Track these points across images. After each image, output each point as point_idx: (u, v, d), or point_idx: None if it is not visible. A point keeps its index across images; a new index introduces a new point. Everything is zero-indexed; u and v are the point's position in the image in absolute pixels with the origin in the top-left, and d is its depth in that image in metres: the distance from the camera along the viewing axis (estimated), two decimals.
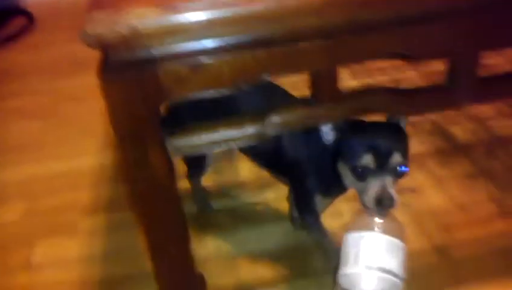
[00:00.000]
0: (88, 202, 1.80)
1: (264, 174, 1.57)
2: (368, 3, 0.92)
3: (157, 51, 0.87)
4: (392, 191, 1.07)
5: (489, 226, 1.58)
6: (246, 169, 1.86)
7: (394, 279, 1.05)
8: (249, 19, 0.89)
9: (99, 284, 1.49)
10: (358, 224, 1.11)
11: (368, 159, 1.08)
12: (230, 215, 1.70)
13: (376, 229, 1.07)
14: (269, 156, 1.38)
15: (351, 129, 1.15)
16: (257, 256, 1.53)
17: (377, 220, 1.08)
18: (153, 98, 0.94)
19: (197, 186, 1.68)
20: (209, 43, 0.90)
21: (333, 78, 1.08)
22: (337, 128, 1.17)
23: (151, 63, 0.88)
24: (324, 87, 1.09)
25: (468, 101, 1.17)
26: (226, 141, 1.11)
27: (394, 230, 1.08)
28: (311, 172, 1.30)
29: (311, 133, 1.20)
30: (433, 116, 2.02)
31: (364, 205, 1.11)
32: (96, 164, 1.97)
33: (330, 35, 0.94)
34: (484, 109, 2.05)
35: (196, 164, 1.55)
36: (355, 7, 0.92)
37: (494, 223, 1.59)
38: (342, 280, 1.09)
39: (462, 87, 1.12)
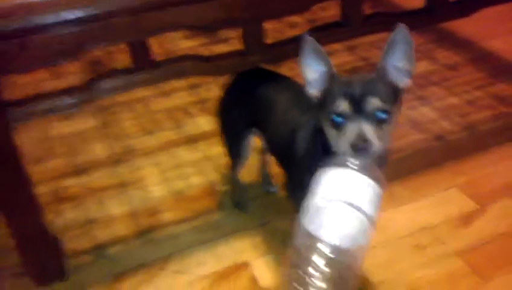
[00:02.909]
0: None
1: None
2: None
3: None
4: (370, 136, 0.98)
5: None
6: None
7: (361, 216, 0.94)
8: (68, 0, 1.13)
9: None
10: (332, 162, 1.01)
11: (343, 105, 1.00)
12: (83, 188, 1.88)
13: (350, 166, 0.98)
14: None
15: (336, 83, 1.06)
16: (110, 219, 1.72)
17: (353, 160, 0.98)
18: None
19: (236, 180, 1.68)
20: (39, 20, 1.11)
21: (145, 48, 1.36)
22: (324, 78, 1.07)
23: None
24: (140, 57, 1.36)
25: (259, 63, 1.49)
26: (59, 108, 1.34)
27: (371, 173, 0.98)
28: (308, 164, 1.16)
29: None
30: None
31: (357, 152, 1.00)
32: None
33: (135, 12, 1.20)
34: None
35: (237, 156, 1.53)
36: None
37: None
38: (304, 218, 0.97)
39: (253, 52, 1.44)
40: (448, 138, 1.98)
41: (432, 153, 1.92)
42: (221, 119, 1.54)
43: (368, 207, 0.95)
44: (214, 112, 1.59)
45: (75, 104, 1.35)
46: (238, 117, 1.46)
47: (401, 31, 1.01)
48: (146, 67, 1.37)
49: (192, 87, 2.44)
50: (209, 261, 1.52)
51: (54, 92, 1.35)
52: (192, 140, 2.08)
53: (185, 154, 2.00)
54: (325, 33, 1.51)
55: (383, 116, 1.00)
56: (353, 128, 0.99)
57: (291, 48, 1.48)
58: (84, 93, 1.35)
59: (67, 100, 1.34)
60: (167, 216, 1.71)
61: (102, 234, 1.66)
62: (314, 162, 1.09)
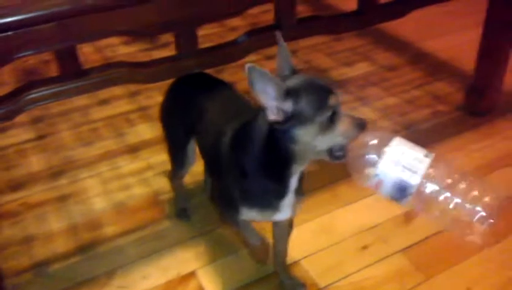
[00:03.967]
0: None
1: None
2: None
3: None
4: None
5: None
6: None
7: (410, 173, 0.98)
8: None
9: None
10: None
11: (334, 98, 0.99)
12: (20, 203, 1.79)
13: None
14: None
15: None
16: (50, 235, 1.65)
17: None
18: None
19: (179, 187, 1.65)
20: None
21: (74, 56, 1.30)
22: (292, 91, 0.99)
23: None
24: (67, 65, 1.31)
25: (192, 68, 1.45)
26: None
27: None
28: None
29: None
30: None
31: (337, 153, 1.02)
32: None
33: (63, 17, 1.14)
34: None
35: (179, 163, 1.49)
36: None
37: None
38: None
39: (187, 57, 1.41)
40: None
41: None
42: (162, 125, 1.51)
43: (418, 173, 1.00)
44: (156, 118, 1.55)
45: (5, 115, 1.28)
46: (178, 123, 1.43)
47: (250, 71, 0.93)
48: (77, 75, 1.32)
49: (133, 94, 2.38)
50: (154, 274, 1.48)
51: None
52: (133, 149, 2.02)
53: (126, 163, 1.95)
54: (260, 36, 1.50)
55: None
56: (346, 114, 1.01)
57: (227, 53, 1.48)
58: (13, 103, 1.27)
59: None
60: (109, 229, 1.65)
61: (42, 251, 1.59)
62: (238, 172, 1.09)
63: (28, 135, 2.15)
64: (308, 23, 1.59)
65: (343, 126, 1.00)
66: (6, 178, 1.92)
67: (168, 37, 2.58)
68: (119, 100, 2.35)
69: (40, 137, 2.14)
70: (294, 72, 1.06)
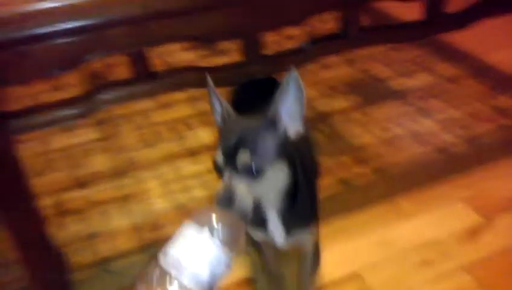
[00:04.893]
0: None
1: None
2: None
3: None
4: (240, 191, 0.93)
5: None
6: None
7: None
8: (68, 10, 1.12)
9: None
10: (198, 213, 0.94)
11: (219, 153, 0.97)
12: (85, 200, 1.86)
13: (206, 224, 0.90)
14: None
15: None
16: (113, 233, 1.71)
17: (213, 216, 0.91)
18: None
19: None
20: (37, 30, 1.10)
21: (144, 60, 1.35)
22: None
23: None
24: (140, 68, 1.36)
25: (259, 74, 1.48)
26: (59, 119, 1.33)
27: (227, 233, 0.91)
28: None
29: None
30: None
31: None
32: None
33: (135, 22, 1.18)
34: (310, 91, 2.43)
35: None
36: None
37: None
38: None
39: (252, 63, 1.44)
40: (450, 150, 1.98)
41: (434, 166, 1.91)
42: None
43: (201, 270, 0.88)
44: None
45: (76, 116, 1.33)
46: None
47: (293, 74, 0.96)
48: (146, 78, 1.36)
49: (193, 99, 2.43)
50: None
51: (55, 103, 1.34)
52: (193, 152, 2.07)
53: (187, 166, 1.99)
54: (324, 44, 1.51)
55: (257, 170, 0.95)
56: (224, 181, 0.95)
57: (291, 60, 1.48)
58: (85, 104, 1.33)
59: (68, 111, 1.33)
60: (171, 229, 1.65)
61: (105, 248, 1.65)
62: None
63: (93, 135, 2.24)
64: (372, 32, 1.59)
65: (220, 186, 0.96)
66: (73, 176, 2.00)
67: (226, 45, 2.66)
68: (179, 104, 2.41)
69: (104, 138, 2.22)
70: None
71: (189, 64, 2.68)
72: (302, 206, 1.11)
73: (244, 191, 0.94)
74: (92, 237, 1.70)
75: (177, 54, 2.87)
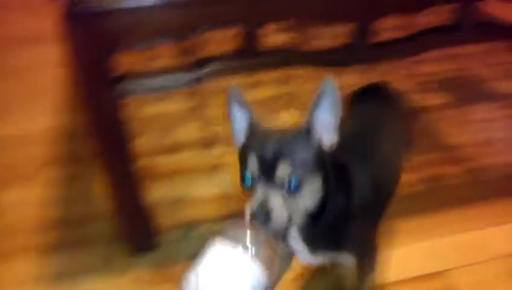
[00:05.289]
0: (45, 156, 1.97)
1: None
2: None
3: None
4: (276, 206, 0.89)
5: None
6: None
7: None
8: None
9: (60, 223, 1.68)
10: (230, 228, 0.91)
11: (253, 165, 0.92)
12: (174, 166, 1.92)
13: (240, 242, 0.86)
14: None
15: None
16: (200, 200, 1.75)
17: (248, 233, 0.87)
18: (105, 44, 1.17)
19: None
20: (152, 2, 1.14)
21: (255, 36, 1.36)
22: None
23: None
24: (251, 43, 1.37)
25: (367, 60, 1.46)
26: (163, 86, 1.37)
27: (261, 254, 0.87)
28: None
29: None
30: None
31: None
32: (50, 125, 2.17)
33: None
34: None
35: None
36: None
37: None
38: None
39: (358, 49, 1.41)
40: None
41: None
42: None
43: None
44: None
45: (179, 85, 1.37)
46: None
47: (328, 83, 0.91)
48: (250, 55, 1.37)
49: (281, 80, 2.42)
50: None
51: (161, 70, 1.38)
52: None
53: None
54: (440, 35, 1.46)
55: (296, 184, 0.90)
56: (258, 195, 0.90)
57: (404, 48, 1.47)
58: (189, 74, 1.37)
59: (171, 79, 1.37)
60: None
61: (190, 213, 1.70)
62: None
63: (184, 105, 2.28)
64: (486, 28, 1.51)
65: (252, 201, 0.91)
66: (163, 142, 2.06)
67: (316, 30, 2.60)
68: (265, 85, 2.41)
69: (195, 108, 2.27)
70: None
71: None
72: (332, 224, 1.03)
73: (280, 206, 0.90)
74: (178, 201, 1.75)
75: (270, 37, 2.85)
